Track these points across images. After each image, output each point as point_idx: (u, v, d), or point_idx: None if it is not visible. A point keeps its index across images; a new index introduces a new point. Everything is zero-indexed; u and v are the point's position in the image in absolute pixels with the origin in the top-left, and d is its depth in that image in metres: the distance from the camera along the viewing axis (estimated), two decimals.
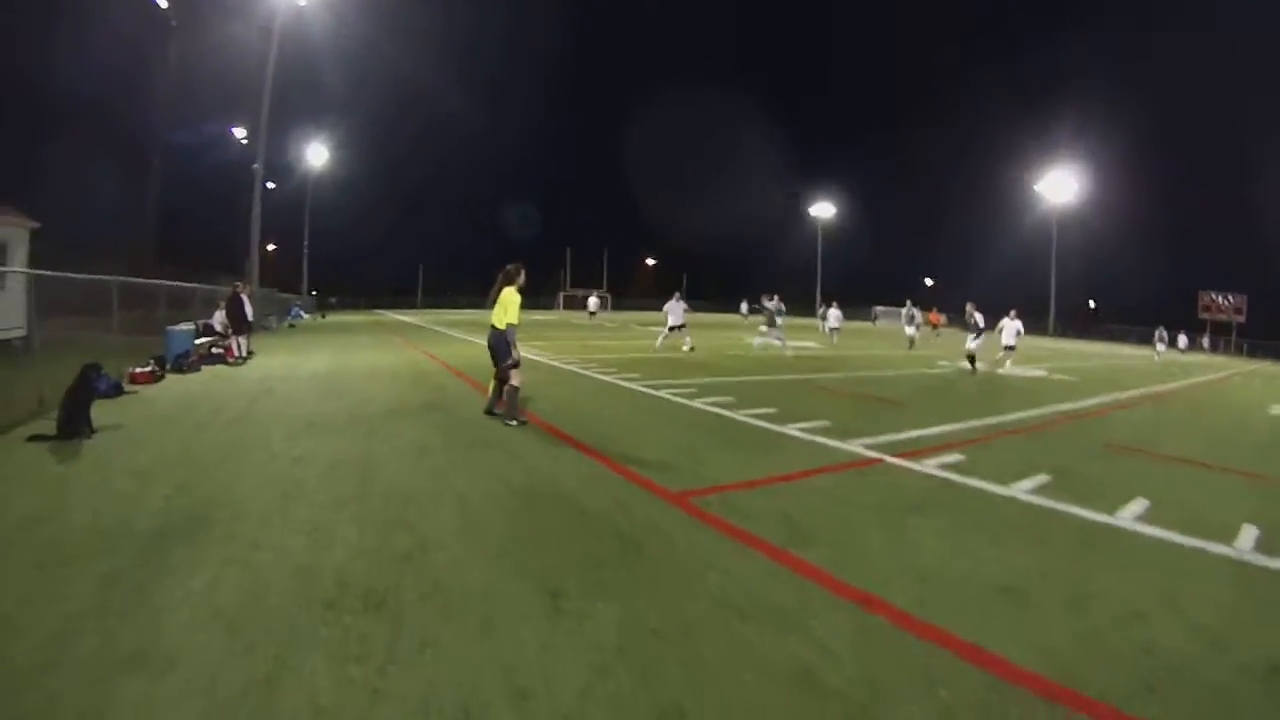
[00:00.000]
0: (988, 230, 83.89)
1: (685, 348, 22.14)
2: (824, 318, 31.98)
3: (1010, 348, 22.76)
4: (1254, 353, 61.72)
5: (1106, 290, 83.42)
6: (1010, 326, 22.90)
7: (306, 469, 7.02)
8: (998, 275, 76.08)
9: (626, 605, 4.15)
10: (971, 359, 19.98)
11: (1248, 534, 6.24)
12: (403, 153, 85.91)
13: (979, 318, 20.63)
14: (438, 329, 32.27)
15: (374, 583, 4.38)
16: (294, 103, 55.83)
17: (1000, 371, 21.18)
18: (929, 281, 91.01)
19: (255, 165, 31.72)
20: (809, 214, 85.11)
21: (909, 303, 31.59)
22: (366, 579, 4.44)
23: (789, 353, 22.71)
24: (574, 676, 3.38)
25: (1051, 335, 59.75)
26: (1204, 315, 70.17)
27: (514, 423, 9.19)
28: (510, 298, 9.36)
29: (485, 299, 9.70)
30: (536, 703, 3.17)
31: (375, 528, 5.36)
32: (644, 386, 13.16)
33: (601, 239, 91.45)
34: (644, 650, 3.65)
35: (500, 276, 9.54)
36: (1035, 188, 67.39)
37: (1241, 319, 68.28)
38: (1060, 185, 65.81)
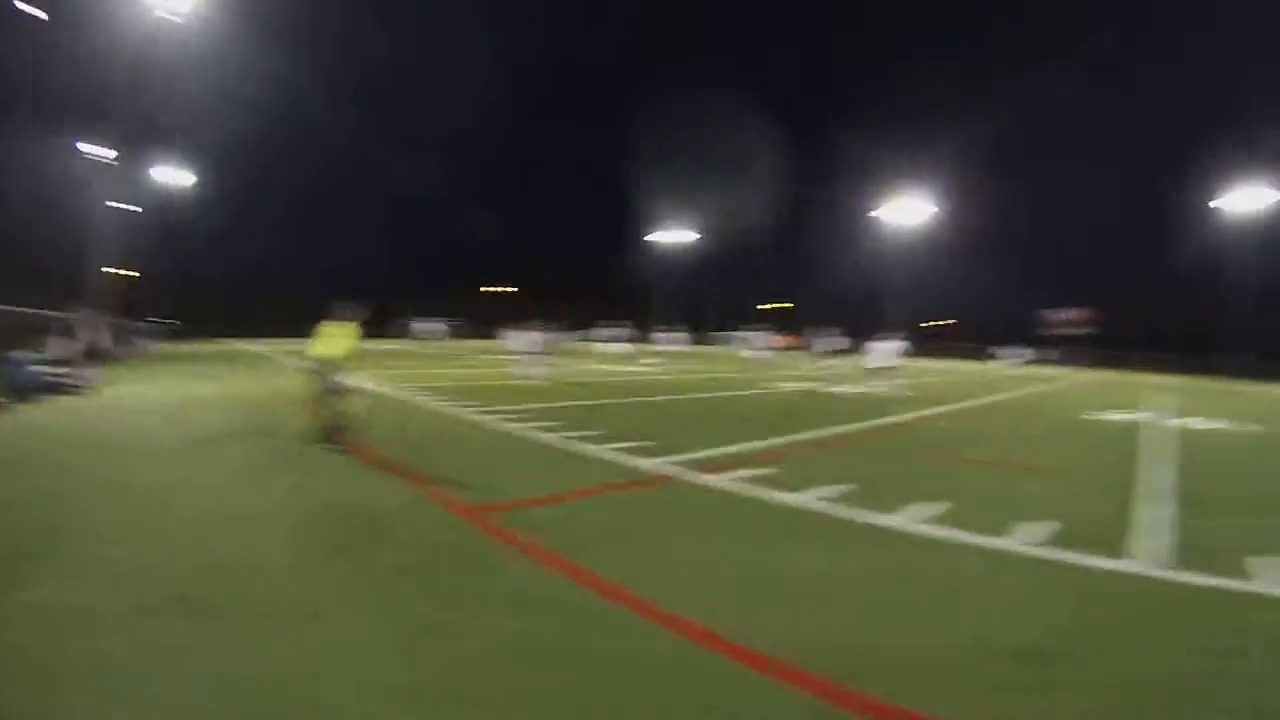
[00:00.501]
0: (848, 252, 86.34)
1: (534, 376, 21.90)
2: (659, 341, 32.36)
3: (886, 369, 23.07)
4: (1102, 363, 65.92)
5: (963, 309, 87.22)
6: (884, 349, 23.23)
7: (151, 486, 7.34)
8: (855, 298, 78.67)
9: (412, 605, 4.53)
10: (831, 378, 20.45)
11: (1026, 529, 6.74)
12: (282, 174, 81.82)
13: (836, 341, 21.20)
14: (282, 358, 31.32)
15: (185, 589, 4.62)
16: (161, 117, 52.81)
17: (836, 390, 21.90)
18: (783, 305, 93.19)
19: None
20: (653, 240, 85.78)
21: (753, 327, 32.48)
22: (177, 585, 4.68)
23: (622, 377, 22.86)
24: (355, 662, 3.74)
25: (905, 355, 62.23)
26: (1051, 331, 74.43)
27: (338, 447, 9.43)
28: (341, 332, 9.89)
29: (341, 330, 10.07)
30: (327, 683, 3.51)
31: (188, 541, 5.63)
32: (475, 413, 13.16)
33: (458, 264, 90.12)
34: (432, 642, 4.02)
35: (338, 312, 10.09)
36: (879, 212, 70.06)
37: (1090, 331, 72.57)
38: (911, 208, 68.69)
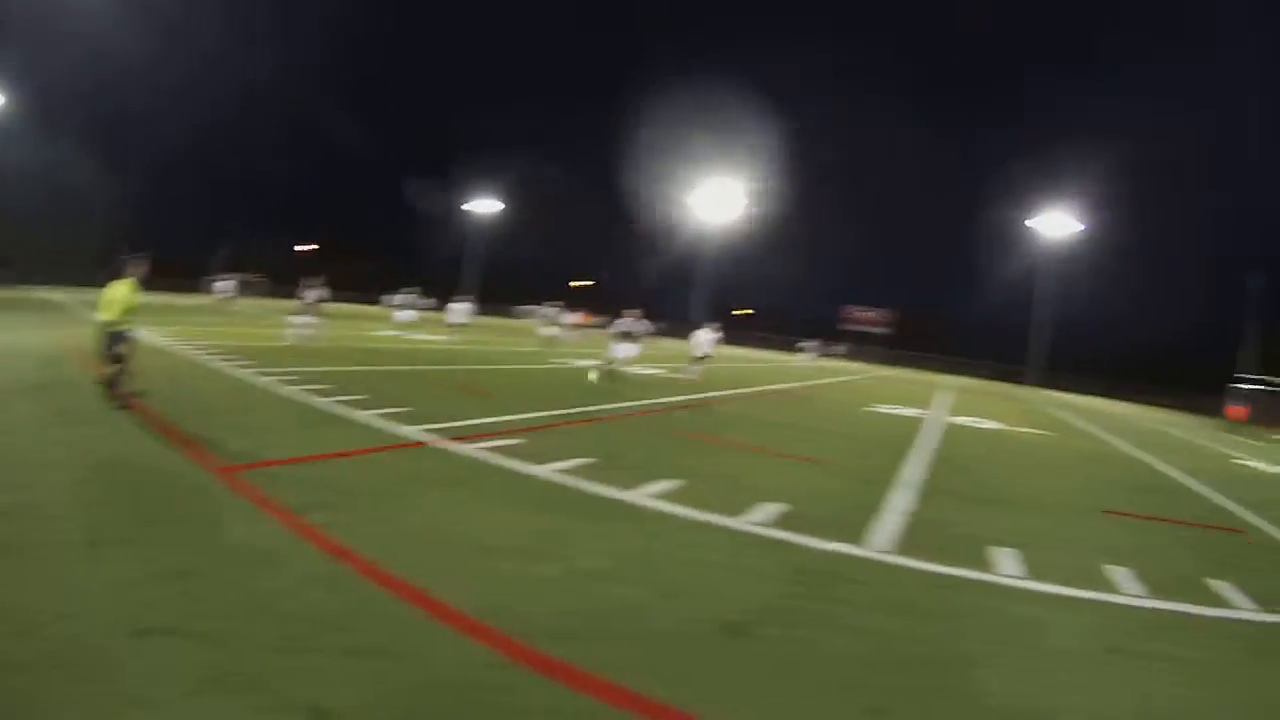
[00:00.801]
0: (659, 236, 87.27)
1: (316, 340, 20.57)
2: (454, 311, 31.22)
3: (707, 356, 22.51)
4: (901, 362, 70.29)
5: (766, 299, 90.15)
6: (707, 336, 22.73)
7: None
8: (661, 281, 79.92)
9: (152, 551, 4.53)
10: (612, 364, 19.71)
11: (762, 511, 6.88)
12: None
13: (639, 324, 20.58)
14: (80, 309, 28.79)
15: None
16: None
17: (625, 370, 21.73)
18: (588, 282, 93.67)
19: None
20: (468, 210, 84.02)
21: (554, 302, 32.11)
22: None
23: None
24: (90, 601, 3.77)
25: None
26: (850, 326, 78.27)
27: (116, 404, 8.99)
28: (123, 288, 9.40)
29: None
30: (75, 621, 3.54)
31: None
32: (254, 374, 12.57)
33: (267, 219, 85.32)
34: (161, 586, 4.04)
35: (122, 267, 9.61)
36: (689, 201, 71.40)
37: (886, 330, 76.56)
38: (722, 200, 70.20)
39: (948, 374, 65.36)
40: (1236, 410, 40.96)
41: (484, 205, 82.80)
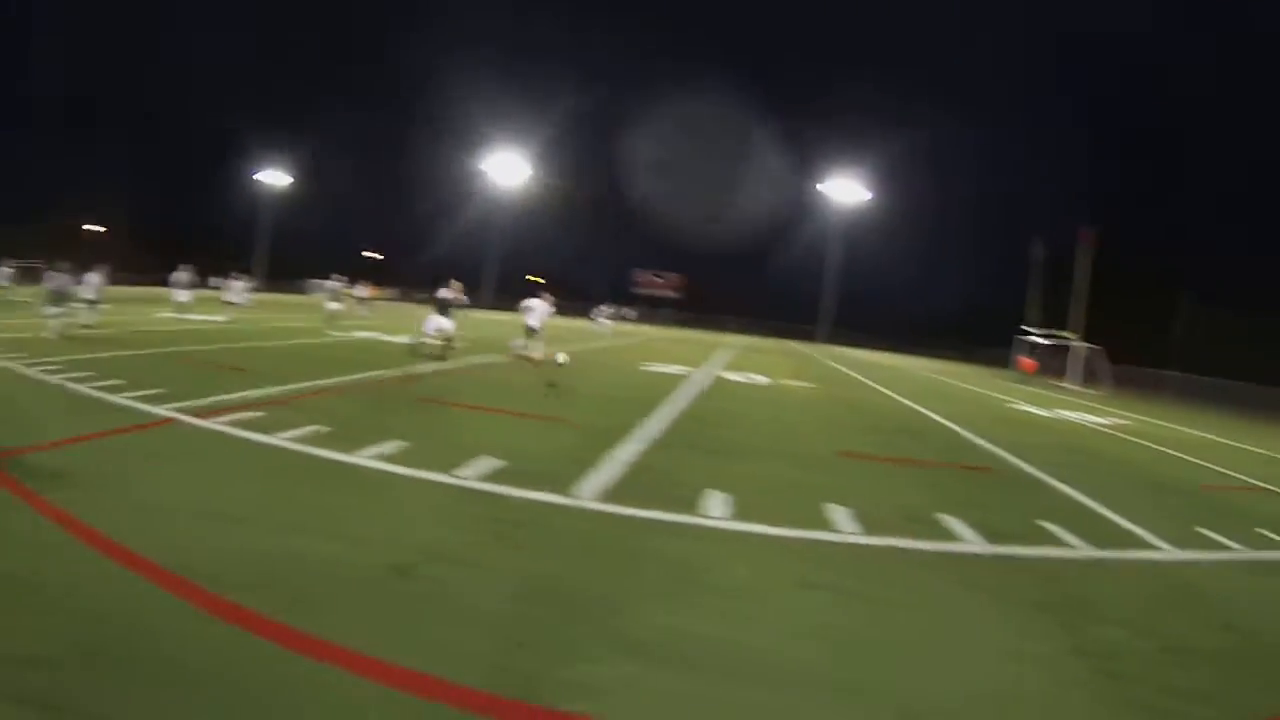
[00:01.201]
0: (442, 207, 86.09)
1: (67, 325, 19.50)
2: (232, 289, 30.12)
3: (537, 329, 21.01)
4: (689, 324, 72.58)
5: (557, 267, 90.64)
6: (539, 307, 20.88)
7: None
8: (451, 251, 79.28)
9: None
10: (446, 340, 18.54)
11: (477, 466, 7.30)
12: None
13: (454, 295, 19.53)
14: None
15: None
16: None
17: (396, 339, 21.72)
18: (374, 255, 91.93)
19: None
20: (258, 181, 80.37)
21: (334, 276, 31.66)
22: None
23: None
24: None
25: (487, 308, 63.28)
26: (642, 291, 79.94)
27: None
28: None
29: None
30: None
31: None
32: (20, 364, 11.92)
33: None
34: None
35: None
36: (482, 167, 71.18)
37: (677, 294, 78.65)
38: (510, 167, 70.23)
39: (740, 334, 68.56)
40: (1027, 361, 44.64)
41: (273, 177, 79.59)
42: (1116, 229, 56.71)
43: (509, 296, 66.29)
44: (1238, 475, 13.39)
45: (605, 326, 42.22)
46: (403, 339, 21.57)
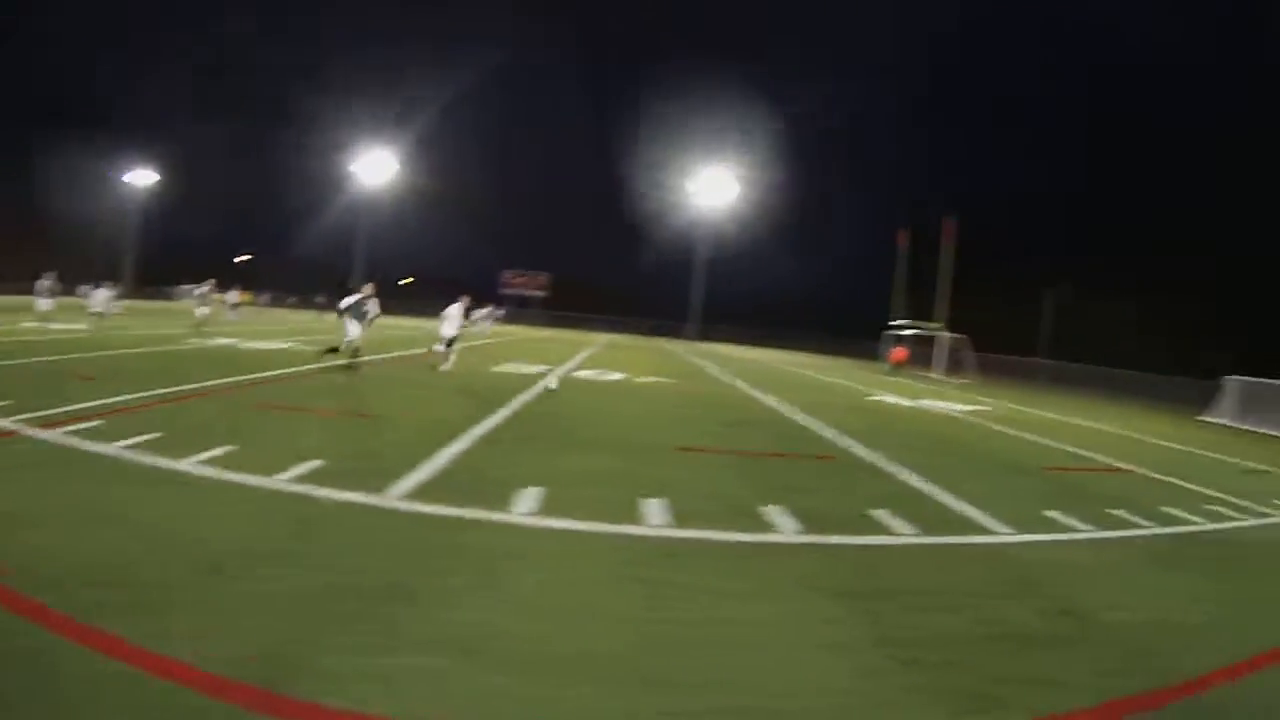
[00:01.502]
0: (311, 208, 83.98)
1: None
2: (92, 298, 29.28)
3: (454, 338, 20.26)
4: (557, 323, 73.16)
5: (430, 267, 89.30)
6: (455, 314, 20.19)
7: None
8: (318, 253, 78.31)
9: None
10: (354, 351, 17.70)
11: (297, 469, 7.57)
12: None
13: (370, 302, 18.23)
14: None
15: None
16: None
17: (258, 345, 21.60)
18: (245, 258, 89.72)
19: None
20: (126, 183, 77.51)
21: (204, 281, 31.24)
22: None
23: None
24: None
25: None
26: (508, 290, 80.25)
27: None
28: None
29: None
30: None
31: None
32: None
33: None
34: None
35: None
36: (352, 168, 70.44)
37: (544, 293, 79.18)
38: (378, 166, 69.80)
39: (610, 333, 69.27)
40: (896, 352, 46.06)
41: (140, 177, 76.53)
42: (984, 219, 59.57)
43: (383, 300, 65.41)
44: (1095, 456, 14.28)
45: (483, 328, 42.17)
46: (263, 345, 21.55)
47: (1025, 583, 6.05)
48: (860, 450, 12.15)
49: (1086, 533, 7.92)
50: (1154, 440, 19.45)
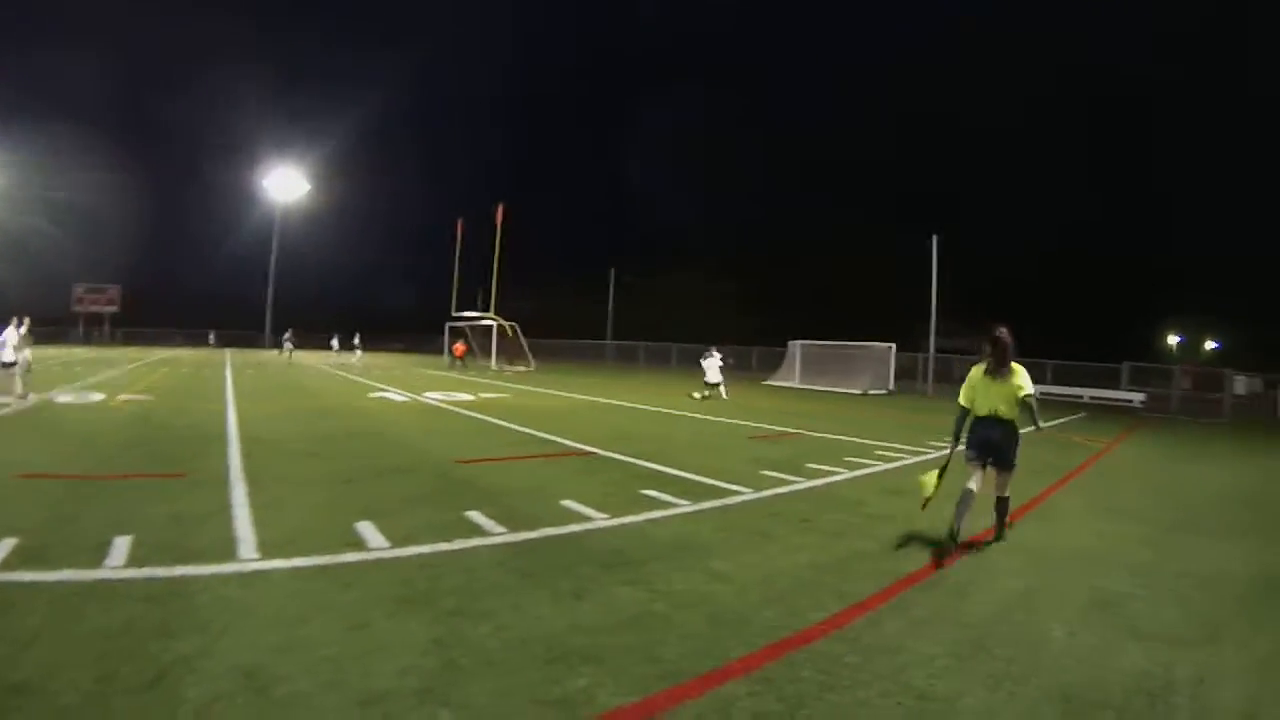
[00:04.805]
0: None
1: None
2: None
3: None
4: (128, 340, 67.84)
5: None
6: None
7: None
8: None
9: None
10: None
11: None
12: None
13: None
14: None
15: None
16: None
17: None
18: None
19: None
20: None
21: None
22: None
23: None
24: None
25: None
26: (77, 308, 73.35)
27: None
28: None
29: None
30: None
31: None
32: None
33: None
34: None
35: None
36: None
37: (116, 309, 73.16)
38: None
39: (175, 347, 65.40)
40: (458, 346, 46.71)
41: None
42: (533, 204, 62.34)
43: None
44: (562, 440, 14.28)
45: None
46: None
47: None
48: (232, 460, 10.95)
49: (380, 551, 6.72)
50: (674, 412, 21.36)
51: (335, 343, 53.44)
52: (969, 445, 7.62)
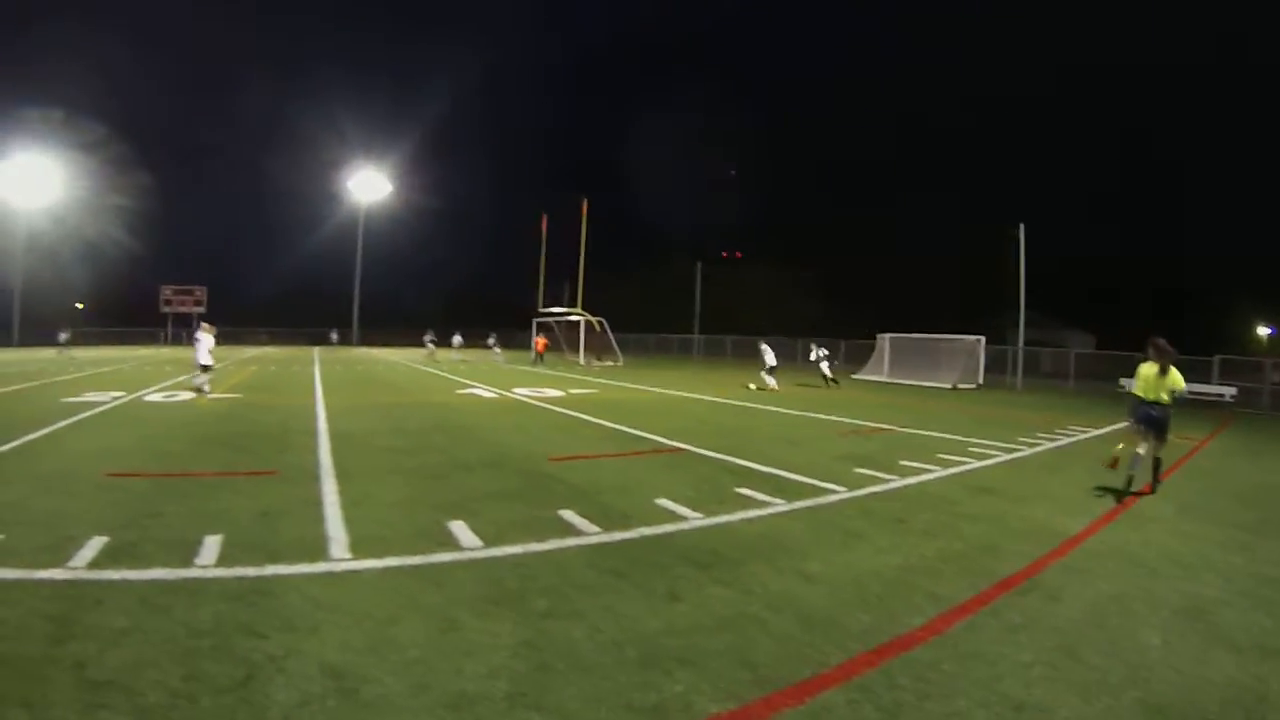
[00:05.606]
0: None
1: None
2: None
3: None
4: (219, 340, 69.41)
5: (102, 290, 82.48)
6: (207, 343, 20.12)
7: None
8: None
9: None
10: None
11: None
12: None
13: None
14: None
15: None
16: None
17: None
18: None
19: None
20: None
21: None
22: None
23: None
24: None
25: None
26: (166, 309, 75.85)
27: None
28: None
29: None
30: None
31: None
32: None
33: None
34: None
35: None
36: None
37: (202, 309, 75.33)
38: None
39: (262, 346, 66.48)
40: (539, 341, 45.53)
41: None
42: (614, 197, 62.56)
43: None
44: (654, 438, 13.87)
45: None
46: None
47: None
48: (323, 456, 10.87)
49: (471, 551, 6.63)
50: (762, 407, 20.55)
51: (430, 340, 53.40)
52: (1138, 420, 10.03)
